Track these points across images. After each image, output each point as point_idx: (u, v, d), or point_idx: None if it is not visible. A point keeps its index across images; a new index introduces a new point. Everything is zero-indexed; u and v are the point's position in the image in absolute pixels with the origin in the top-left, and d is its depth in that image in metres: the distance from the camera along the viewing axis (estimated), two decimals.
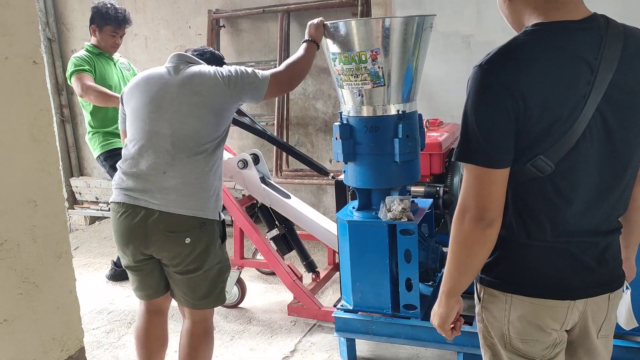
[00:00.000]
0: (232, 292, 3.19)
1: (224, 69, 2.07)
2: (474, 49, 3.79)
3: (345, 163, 2.49)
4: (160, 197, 1.97)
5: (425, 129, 2.91)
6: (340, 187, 2.92)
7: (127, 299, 3.41)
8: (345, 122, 2.46)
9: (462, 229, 1.21)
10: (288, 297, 3.20)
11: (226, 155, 3.24)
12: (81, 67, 3.27)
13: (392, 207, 2.43)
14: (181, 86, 2.01)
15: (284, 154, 4.51)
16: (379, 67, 2.31)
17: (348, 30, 2.29)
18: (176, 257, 2.00)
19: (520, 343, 1.29)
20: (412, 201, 2.56)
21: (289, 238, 3.23)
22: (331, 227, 3.17)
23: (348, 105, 2.46)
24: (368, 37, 2.28)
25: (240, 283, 3.22)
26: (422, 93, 2.67)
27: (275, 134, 4.37)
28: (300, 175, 4.44)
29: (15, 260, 1.33)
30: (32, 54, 1.34)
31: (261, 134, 3.18)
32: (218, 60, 2.32)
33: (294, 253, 3.30)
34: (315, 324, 2.97)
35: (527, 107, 1.14)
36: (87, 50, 3.46)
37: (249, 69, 2.10)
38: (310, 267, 3.27)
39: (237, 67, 2.09)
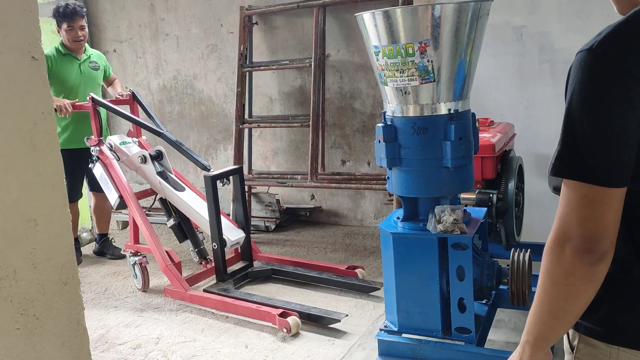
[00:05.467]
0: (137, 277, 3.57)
1: None
2: (527, 41, 3.46)
3: (390, 169, 2.24)
4: None
5: None
6: (211, 183, 3.23)
7: (156, 312, 3.24)
8: (389, 123, 2.21)
9: (561, 264, 0.93)
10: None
11: (137, 149, 3.62)
12: None
13: (443, 218, 2.16)
14: None
15: (319, 158, 4.28)
16: (428, 61, 2.05)
17: (392, 19, 2.04)
18: None
19: None
20: (465, 211, 2.29)
21: (183, 227, 3.51)
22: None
23: (392, 104, 2.21)
24: (416, 27, 2.03)
25: (143, 270, 3.53)
26: None
27: (310, 135, 4.16)
28: (337, 180, 4.20)
29: (12, 289, 1.13)
30: (30, 48, 1.15)
31: (157, 133, 3.51)
32: None
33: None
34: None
35: None
36: (55, 48, 3.74)
37: None
38: (201, 254, 3.54)
39: None
